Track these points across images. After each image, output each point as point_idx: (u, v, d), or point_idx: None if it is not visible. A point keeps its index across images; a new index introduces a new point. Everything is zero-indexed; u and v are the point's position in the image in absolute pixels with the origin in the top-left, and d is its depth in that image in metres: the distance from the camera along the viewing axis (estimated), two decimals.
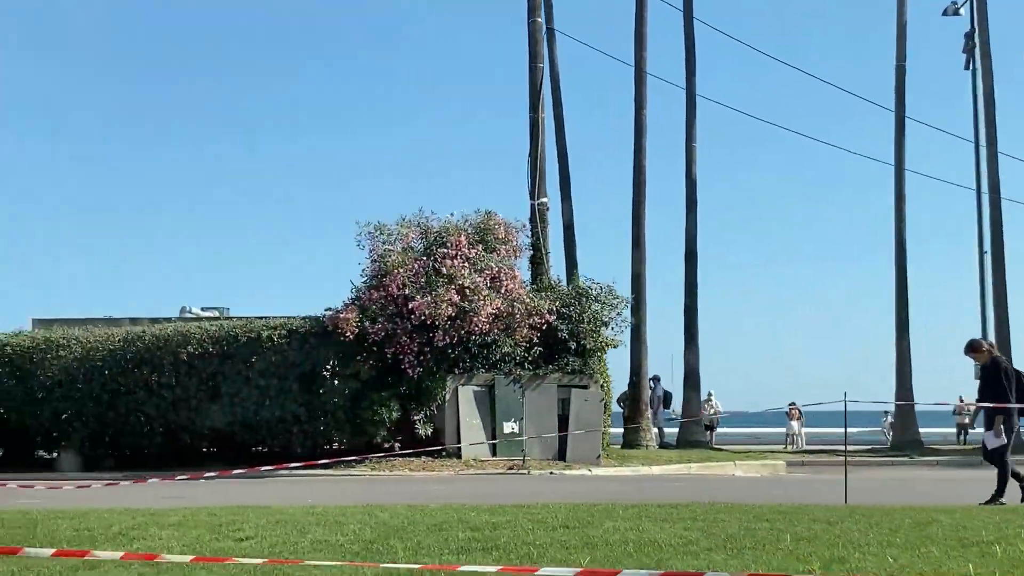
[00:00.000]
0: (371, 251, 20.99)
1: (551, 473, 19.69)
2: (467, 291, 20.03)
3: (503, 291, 20.57)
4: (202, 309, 27.26)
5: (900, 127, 30.19)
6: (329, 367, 20.02)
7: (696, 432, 28.77)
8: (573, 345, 21.57)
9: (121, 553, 5.58)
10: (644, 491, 14.51)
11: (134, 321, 23.48)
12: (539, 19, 24.58)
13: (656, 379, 28.67)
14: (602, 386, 22.15)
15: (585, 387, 21.66)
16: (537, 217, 23.74)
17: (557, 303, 21.24)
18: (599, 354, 22.25)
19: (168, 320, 23.96)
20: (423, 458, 20.77)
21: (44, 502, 12.05)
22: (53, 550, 5.68)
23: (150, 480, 13.55)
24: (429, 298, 19.69)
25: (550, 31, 28.12)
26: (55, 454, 21.11)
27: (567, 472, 19.81)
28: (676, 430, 29.41)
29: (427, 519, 8.86)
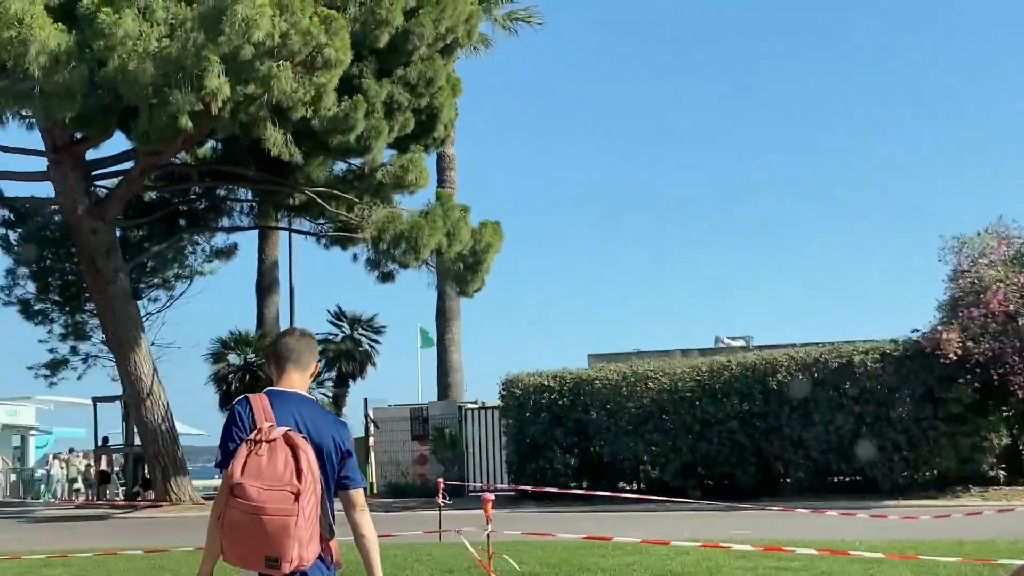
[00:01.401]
0: (955, 267, 19.78)
1: None
2: None
3: None
4: (729, 338, 27.10)
5: None
6: (926, 391, 18.96)
7: None
8: None
9: None
10: None
11: (684, 353, 23.58)
12: None
13: None
14: None
15: None
16: None
17: None
18: None
19: (708, 351, 23.91)
20: None
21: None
22: None
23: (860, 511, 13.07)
24: None
25: None
26: (634, 485, 21.39)
27: None
28: None
29: None
